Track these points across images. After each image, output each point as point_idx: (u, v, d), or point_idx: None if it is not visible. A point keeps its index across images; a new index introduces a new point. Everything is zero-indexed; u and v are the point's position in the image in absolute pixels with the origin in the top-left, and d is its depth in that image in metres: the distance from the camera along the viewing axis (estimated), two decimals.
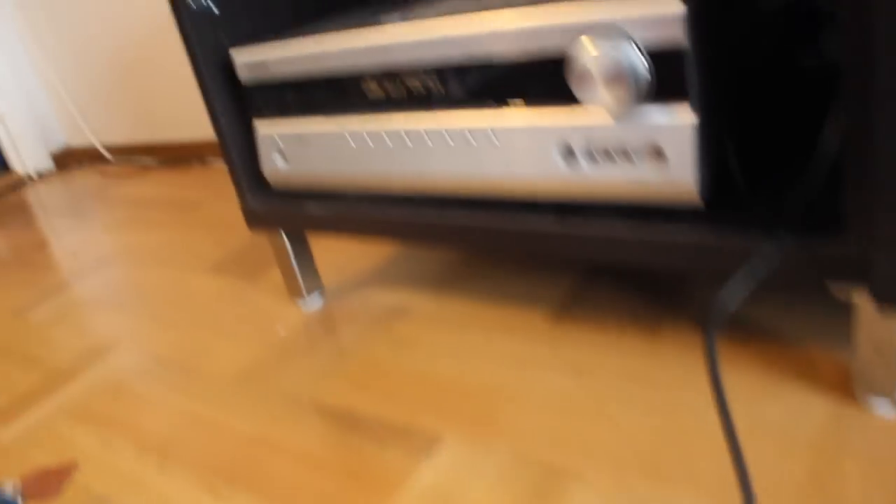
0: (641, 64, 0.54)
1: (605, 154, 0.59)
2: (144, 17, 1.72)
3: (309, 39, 0.75)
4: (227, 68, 0.83)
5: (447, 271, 0.95)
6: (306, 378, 0.79)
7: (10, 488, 0.76)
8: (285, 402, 0.76)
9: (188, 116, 1.78)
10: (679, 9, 0.52)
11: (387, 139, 0.72)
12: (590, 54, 0.55)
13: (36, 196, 1.95)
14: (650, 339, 0.71)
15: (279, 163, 0.82)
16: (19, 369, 0.99)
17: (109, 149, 2.00)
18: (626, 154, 0.58)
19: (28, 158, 2.08)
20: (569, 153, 0.61)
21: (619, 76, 0.54)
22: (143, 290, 1.13)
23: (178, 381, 0.85)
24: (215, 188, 1.57)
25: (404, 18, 0.69)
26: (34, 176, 2.09)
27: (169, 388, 0.84)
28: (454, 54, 0.64)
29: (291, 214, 0.83)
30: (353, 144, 0.75)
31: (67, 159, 2.12)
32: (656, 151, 0.57)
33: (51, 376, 0.94)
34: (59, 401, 0.88)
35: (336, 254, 1.07)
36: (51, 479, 0.77)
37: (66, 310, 1.14)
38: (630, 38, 0.54)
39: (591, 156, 0.60)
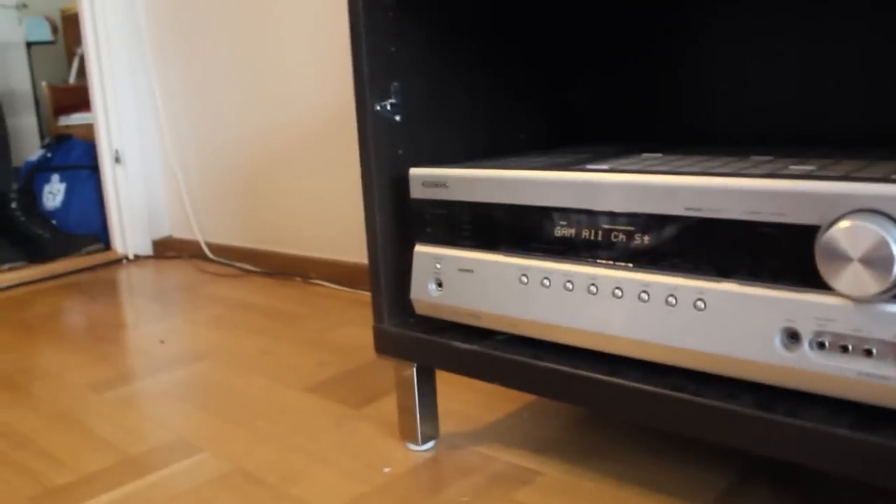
0: None
1: (840, 345, 0.52)
2: (279, 134, 1.76)
3: (500, 168, 0.71)
4: (397, 182, 0.80)
5: (581, 438, 0.86)
6: None
7: None
8: None
9: (298, 232, 1.79)
10: None
11: (568, 283, 0.66)
12: (849, 234, 0.50)
13: (127, 277, 1.94)
14: None
15: (432, 290, 0.77)
16: (90, 448, 0.92)
17: (211, 247, 2.01)
18: (865, 348, 0.51)
19: (130, 240, 2.10)
20: (791, 337, 0.54)
21: (880, 262, 0.49)
22: (235, 396, 1.07)
23: None
24: (317, 307, 1.53)
25: (613, 169, 0.65)
26: (130, 257, 2.10)
27: None
28: (671, 205, 0.59)
29: (432, 345, 0.77)
30: (525, 282, 0.69)
31: (166, 248, 2.14)
32: None
33: (124, 465, 0.87)
34: (129, 493, 0.81)
35: (455, 401, 0.99)
36: None
37: (150, 397, 1.08)
38: None
39: (820, 344, 0.53)
